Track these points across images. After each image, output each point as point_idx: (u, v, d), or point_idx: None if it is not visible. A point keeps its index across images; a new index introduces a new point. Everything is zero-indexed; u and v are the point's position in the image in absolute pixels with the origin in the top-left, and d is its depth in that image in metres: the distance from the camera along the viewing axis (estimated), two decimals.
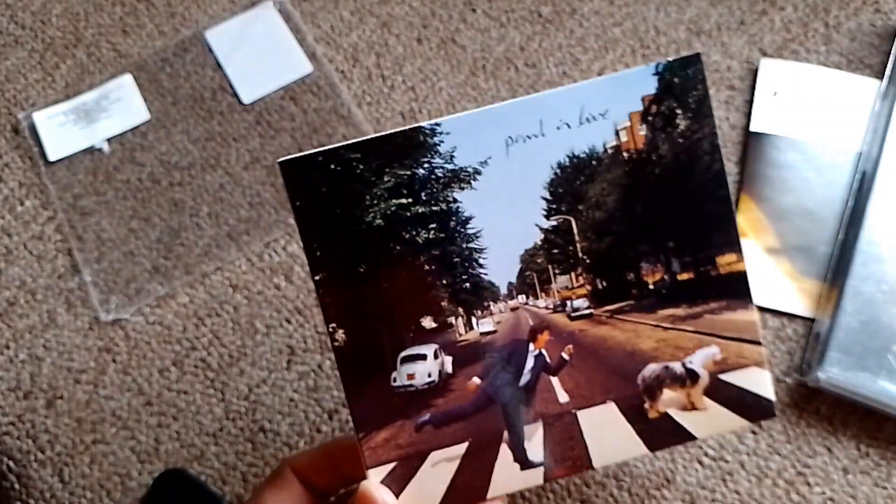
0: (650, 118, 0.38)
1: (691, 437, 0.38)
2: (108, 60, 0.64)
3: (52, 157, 0.60)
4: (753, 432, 0.51)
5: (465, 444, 0.38)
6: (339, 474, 0.39)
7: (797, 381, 0.51)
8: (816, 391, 0.50)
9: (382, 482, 0.37)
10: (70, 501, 0.52)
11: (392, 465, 0.37)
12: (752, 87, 0.59)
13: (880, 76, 0.59)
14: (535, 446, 0.38)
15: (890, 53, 0.59)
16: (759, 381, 0.38)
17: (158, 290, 0.56)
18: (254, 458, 0.52)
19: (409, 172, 0.37)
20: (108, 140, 0.61)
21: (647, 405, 0.38)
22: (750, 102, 0.59)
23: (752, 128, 0.58)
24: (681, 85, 0.38)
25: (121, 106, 0.62)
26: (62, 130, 0.61)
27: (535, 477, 0.38)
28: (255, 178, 0.59)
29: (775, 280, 0.54)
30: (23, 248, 0.58)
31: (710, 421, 0.38)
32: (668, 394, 0.38)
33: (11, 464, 0.53)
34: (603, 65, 0.62)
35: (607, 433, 0.38)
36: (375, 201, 0.37)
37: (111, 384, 0.54)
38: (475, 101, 0.61)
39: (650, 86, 0.38)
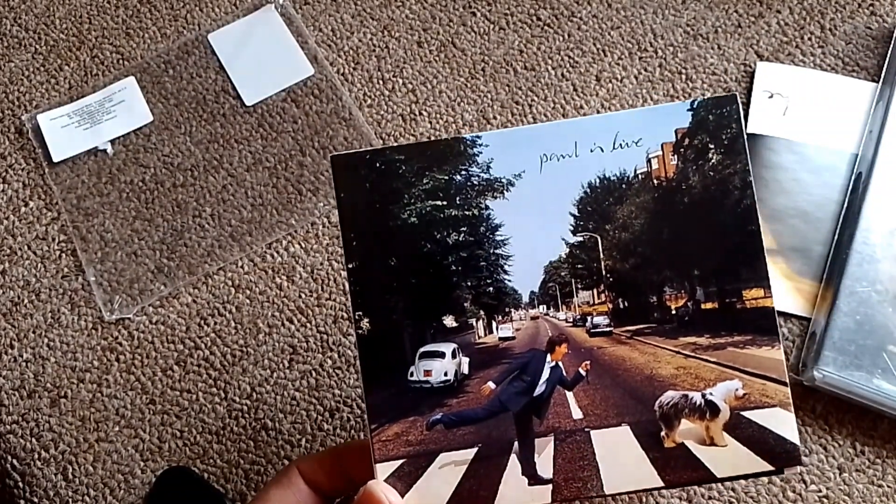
0: (682, 150, 0.39)
1: (711, 477, 0.37)
2: (111, 63, 0.65)
3: (55, 158, 0.61)
4: None
5: (475, 450, 0.38)
6: (345, 477, 0.39)
7: (793, 380, 0.52)
8: (812, 390, 0.51)
9: (388, 480, 0.37)
10: (74, 499, 0.52)
11: (399, 462, 0.38)
12: (749, 90, 0.60)
13: (876, 79, 0.60)
14: (544, 461, 0.37)
15: (885, 56, 0.60)
16: (784, 423, 0.37)
17: (162, 290, 0.57)
18: (256, 456, 0.53)
19: (446, 177, 0.39)
20: (112, 141, 0.61)
21: (663, 433, 0.37)
22: (746, 105, 0.60)
23: (749, 130, 0.58)
24: (715, 122, 0.39)
25: (124, 108, 0.62)
26: (66, 132, 0.62)
27: (543, 494, 0.37)
28: (257, 180, 0.60)
29: (771, 280, 0.54)
30: (27, 249, 0.59)
31: (730, 460, 0.37)
32: (685, 424, 0.37)
33: (15, 462, 0.53)
34: (601, 68, 0.62)
35: (621, 458, 0.37)
36: (413, 200, 0.39)
37: (115, 383, 0.55)
38: (474, 103, 0.62)
39: (684, 120, 0.39)
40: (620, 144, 0.39)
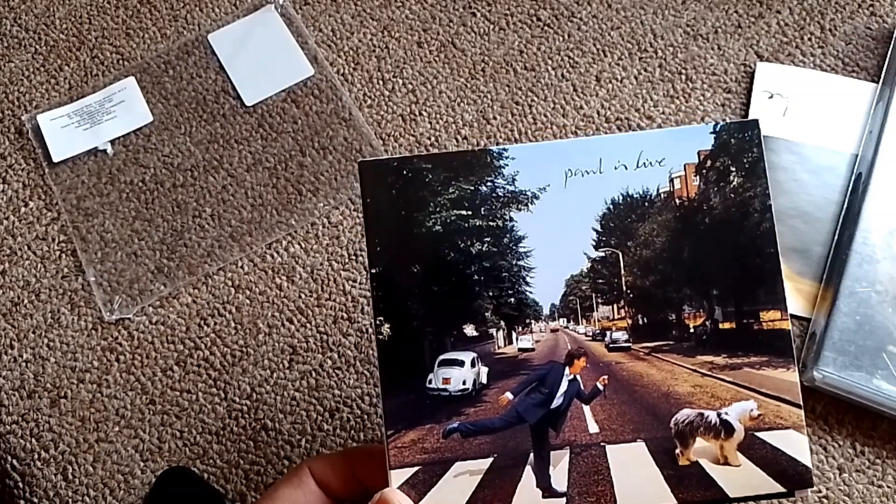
0: (704, 171, 0.40)
1: (724, 496, 0.37)
2: (111, 63, 0.65)
3: (55, 158, 0.61)
4: None
5: (490, 460, 0.38)
6: (356, 481, 0.39)
7: None
8: (812, 390, 0.51)
9: (402, 487, 0.37)
10: (73, 500, 0.52)
11: (414, 469, 0.38)
12: (749, 91, 0.60)
13: (876, 79, 0.60)
14: (559, 474, 0.38)
15: (885, 56, 0.60)
16: (797, 446, 0.38)
17: (162, 291, 0.57)
18: (256, 456, 0.53)
19: (472, 188, 0.40)
20: (112, 142, 0.61)
21: (677, 451, 0.38)
22: (746, 105, 0.60)
23: None
24: (737, 145, 0.39)
25: (124, 108, 0.62)
26: (66, 132, 0.62)
27: None
28: (257, 180, 0.60)
29: None
30: (27, 249, 0.59)
31: (743, 480, 0.37)
32: (700, 443, 0.38)
33: (15, 462, 0.53)
34: (601, 68, 0.62)
35: (635, 474, 0.38)
36: (438, 209, 0.39)
37: (115, 383, 0.55)
38: (474, 103, 0.62)
39: (707, 142, 0.39)
40: (644, 163, 0.39)
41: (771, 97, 0.59)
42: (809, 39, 0.62)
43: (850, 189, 0.55)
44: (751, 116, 0.59)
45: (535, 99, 0.62)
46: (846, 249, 0.53)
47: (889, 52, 0.60)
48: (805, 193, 0.56)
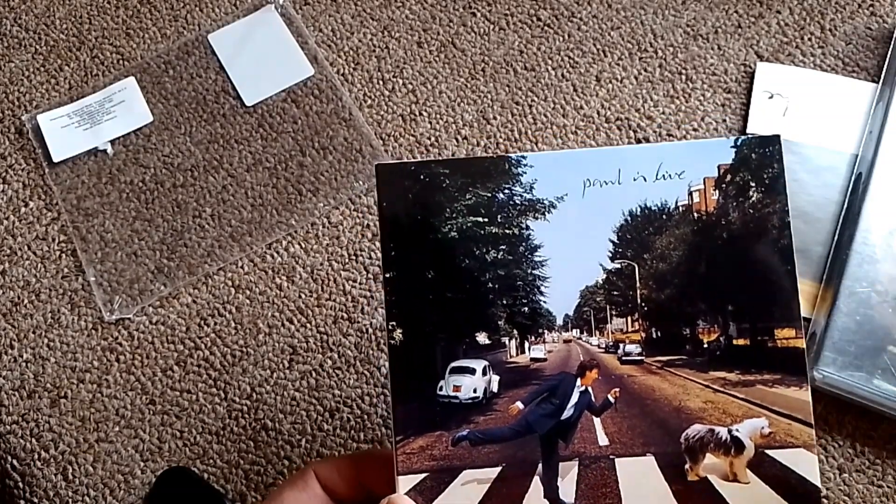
0: (724, 185, 0.39)
1: None
2: (111, 63, 0.65)
3: (56, 158, 0.61)
4: None
5: (498, 469, 0.38)
6: (362, 486, 0.39)
7: None
8: (812, 390, 0.50)
9: (409, 493, 0.37)
10: (73, 500, 0.52)
11: (422, 476, 0.37)
12: (749, 90, 0.60)
13: (876, 79, 0.60)
14: (567, 485, 0.37)
15: (885, 56, 0.60)
16: (807, 465, 0.37)
17: (162, 291, 0.57)
18: (256, 456, 0.53)
19: (489, 195, 0.39)
20: (112, 142, 0.61)
21: (687, 466, 0.38)
22: (746, 105, 0.60)
23: (749, 130, 0.58)
24: (757, 161, 0.39)
25: (124, 108, 0.62)
26: (66, 132, 0.62)
27: None
28: (257, 180, 0.60)
29: None
30: (27, 249, 0.59)
31: (752, 498, 0.37)
32: (710, 459, 0.38)
33: (15, 462, 0.53)
34: (601, 68, 0.62)
35: (643, 488, 0.37)
36: (454, 215, 0.39)
37: (115, 383, 0.55)
38: (474, 103, 0.62)
39: (727, 156, 0.39)
40: (663, 175, 0.39)
41: (771, 97, 0.59)
42: (809, 39, 0.62)
43: (850, 189, 0.55)
44: (751, 117, 0.59)
45: (535, 99, 0.62)
46: (846, 249, 0.53)
47: (889, 52, 0.60)
48: (805, 193, 0.56)
